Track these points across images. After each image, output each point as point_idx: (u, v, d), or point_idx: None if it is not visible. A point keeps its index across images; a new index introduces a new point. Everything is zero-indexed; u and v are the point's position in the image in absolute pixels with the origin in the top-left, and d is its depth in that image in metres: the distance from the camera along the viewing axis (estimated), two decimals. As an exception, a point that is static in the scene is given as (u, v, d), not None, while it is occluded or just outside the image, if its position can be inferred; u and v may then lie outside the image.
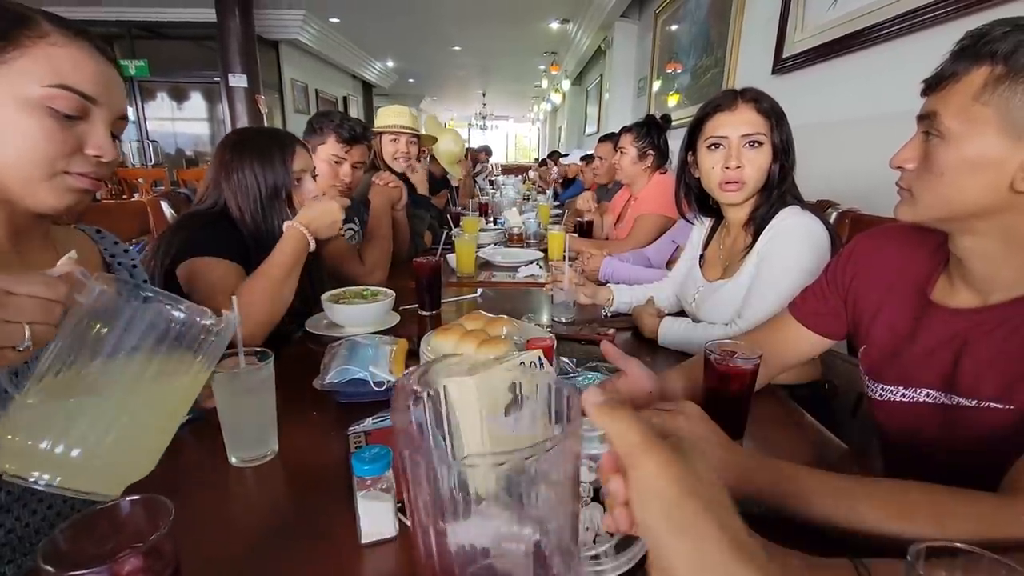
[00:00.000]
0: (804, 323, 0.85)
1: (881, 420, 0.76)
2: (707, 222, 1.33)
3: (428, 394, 0.48)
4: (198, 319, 0.51)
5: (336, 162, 1.62)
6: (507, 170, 8.59)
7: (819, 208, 1.31)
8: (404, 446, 0.35)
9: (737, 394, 0.72)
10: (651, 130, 2.18)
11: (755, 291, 1.05)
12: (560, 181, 4.92)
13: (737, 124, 1.07)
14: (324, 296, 1.20)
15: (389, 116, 2.20)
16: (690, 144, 1.18)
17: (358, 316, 1.16)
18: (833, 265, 0.84)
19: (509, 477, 0.43)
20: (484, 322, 0.94)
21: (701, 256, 1.30)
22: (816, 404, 1.12)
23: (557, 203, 3.77)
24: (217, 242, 1.09)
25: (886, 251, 0.79)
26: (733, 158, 1.07)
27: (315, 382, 0.83)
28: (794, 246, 1.04)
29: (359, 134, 1.63)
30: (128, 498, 0.39)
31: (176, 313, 0.49)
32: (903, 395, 0.70)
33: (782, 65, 2.60)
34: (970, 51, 0.57)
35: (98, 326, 0.47)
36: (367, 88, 11.35)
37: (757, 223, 1.10)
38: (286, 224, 1.09)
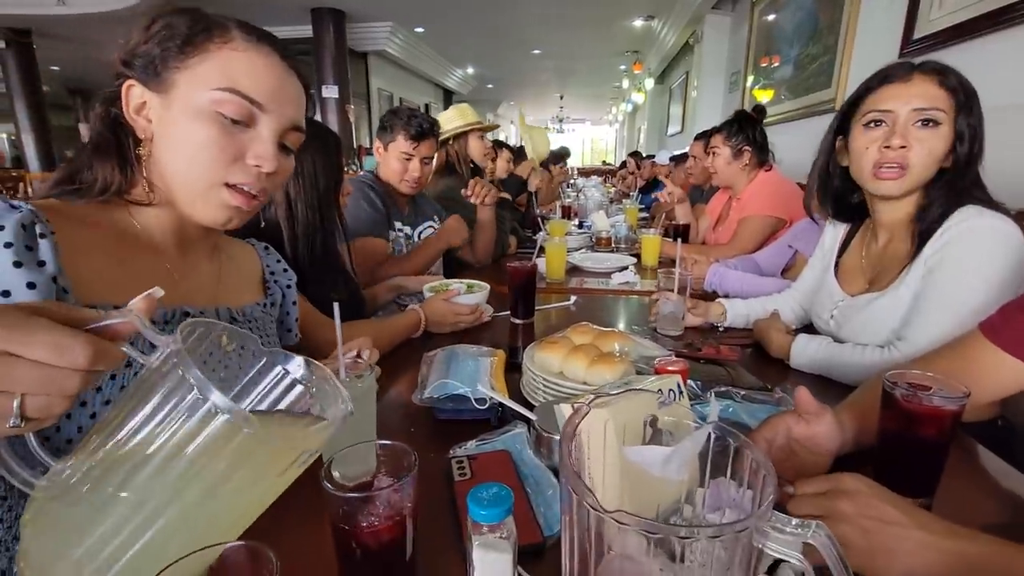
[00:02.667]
0: (1008, 349, 0.67)
1: None
2: (841, 226, 1.14)
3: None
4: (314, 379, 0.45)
5: (405, 159, 1.63)
6: (583, 172, 8.43)
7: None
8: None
9: (930, 443, 0.57)
10: (743, 125, 1.99)
11: (925, 307, 0.86)
12: (644, 184, 4.70)
13: (908, 96, 0.87)
14: (426, 287, 1.29)
15: (466, 114, 2.19)
16: (841, 127, 0.99)
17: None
18: None
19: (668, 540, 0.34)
20: (593, 336, 0.85)
21: (836, 264, 1.12)
22: (990, 447, 0.92)
23: (642, 206, 3.58)
24: None
25: None
26: (897, 136, 0.87)
27: (414, 396, 0.78)
28: (978, 252, 0.83)
29: (426, 130, 1.64)
30: (225, 544, 0.33)
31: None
32: None
33: (914, 47, 2.29)
34: None
35: (159, 397, 0.37)
36: (448, 95, 11.64)
37: (926, 225, 0.90)
38: (411, 308, 1.17)
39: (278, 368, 0.50)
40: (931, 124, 0.86)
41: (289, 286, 0.86)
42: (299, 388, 0.50)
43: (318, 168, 1.09)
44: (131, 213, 0.63)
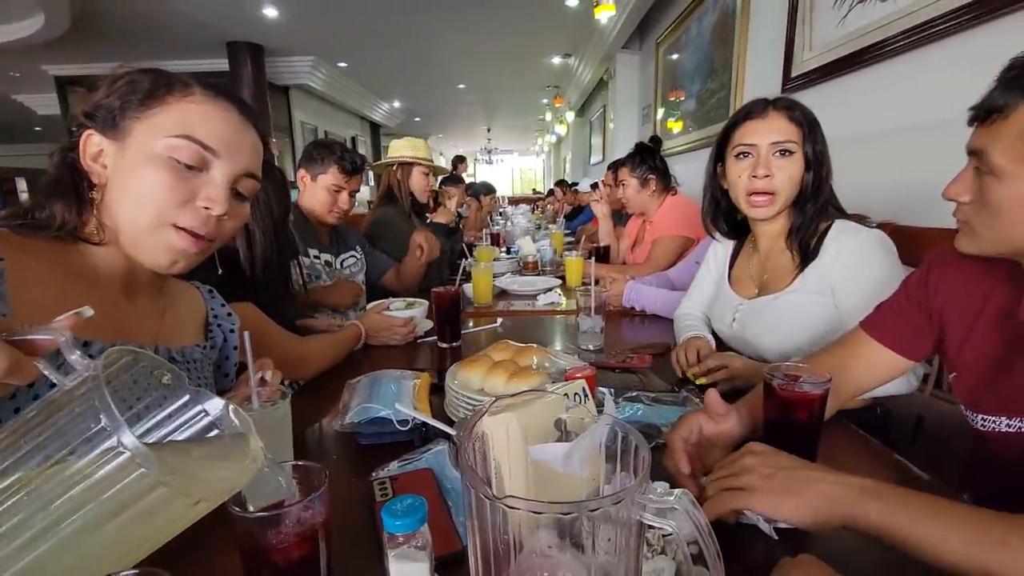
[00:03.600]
0: (884, 342, 0.78)
1: (988, 452, 0.69)
2: (729, 243, 1.27)
3: (476, 435, 0.42)
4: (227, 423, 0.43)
5: (335, 191, 1.66)
6: (513, 201, 8.66)
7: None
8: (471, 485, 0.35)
9: (804, 424, 0.64)
10: (644, 156, 2.17)
11: (848, 317, 0.98)
12: (570, 210, 4.91)
13: (767, 132, 1.02)
14: (369, 306, 1.38)
15: (418, 148, 2.25)
16: (718, 155, 1.13)
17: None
18: (915, 278, 0.78)
19: (558, 523, 0.38)
20: (512, 352, 0.88)
21: (729, 275, 1.24)
22: (869, 432, 1.04)
23: (568, 231, 3.74)
24: None
25: (969, 270, 0.73)
26: (762, 166, 1.02)
27: (335, 423, 0.77)
28: (873, 263, 0.97)
29: (359, 165, 1.71)
30: (123, 573, 0.33)
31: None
32: (1008, 425, 0.63)
33: (791, 84, 2.58)
34: (1016, 84, 0.54)
35: (62, 423, 0.35)
36: (374, 128, 11.60)
37: (802, 236, 1.04)
38: (353, 321, 1.27)
39: (198, 407, 0.49)
40: (787, 154, 1.02)
41: (232, 330, 0.86)
42: (216, 431, 0.49)
43: (271, 198, 1.15)
44: (81, 252, 0.64)
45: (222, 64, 6.30)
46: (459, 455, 0.38)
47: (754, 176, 1.03)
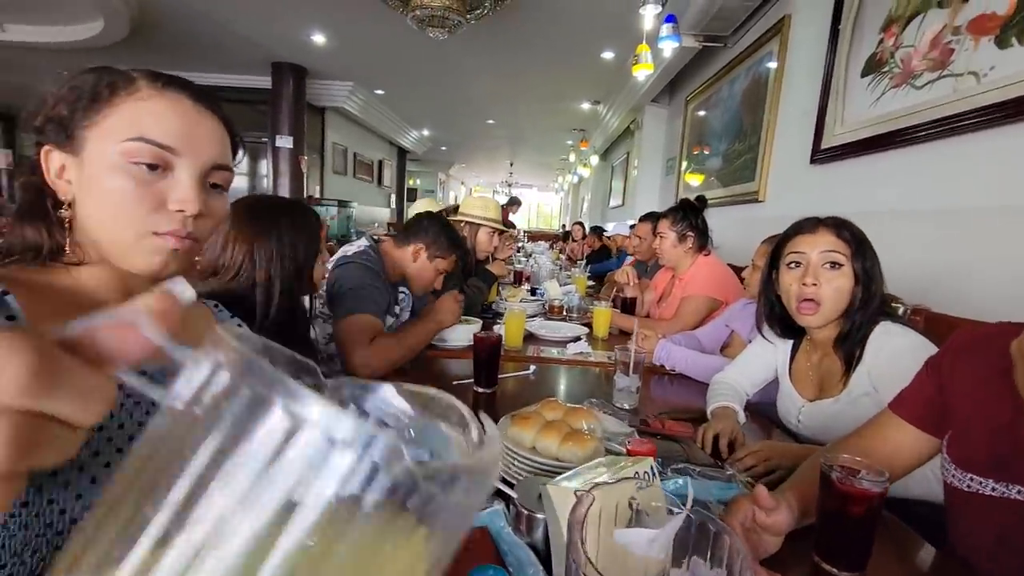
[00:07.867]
0: (905, 418, 0.82)
1: (963, 513, 0.71)
2: (788, 340, 1.30)
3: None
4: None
5: (439, 274, 1.78)
6: (532, 236, 8.77)
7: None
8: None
9: (862, 520, 0.65)
10: (687, 213, 2.21)
11: None
12: (590, 252, 4.96)
13: (816, 243, 1.10)
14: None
15: (489, 209, 2.37)
16: (773, 263, 1.20)
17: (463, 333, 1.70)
18: (936, 356, 0.82)
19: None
20: (563, 412, 0.90)
21: (789, 372, 1.28)
22: (930, 525, 1.02)
23: (589, 275, 3.78)
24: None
25: (983, 343, 0.77)
26: (810, 275, 1.09)
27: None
28: (912, 368, 1.00)
29: None
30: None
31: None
32: (994, 489, 0.66)
33: (820, 156, 2.65)
34: None
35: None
36: (402, 153, 11.88)
37: (847, 346, 1.10)
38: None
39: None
40: (836, 266, 1.08)
41: None
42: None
43: (298, 247, 1.15)
44: (71, 274, 0.62)
45: (265, 82, 6.54)
46: (570, 546, 0.39)
47: (803, 284, 1.09)
